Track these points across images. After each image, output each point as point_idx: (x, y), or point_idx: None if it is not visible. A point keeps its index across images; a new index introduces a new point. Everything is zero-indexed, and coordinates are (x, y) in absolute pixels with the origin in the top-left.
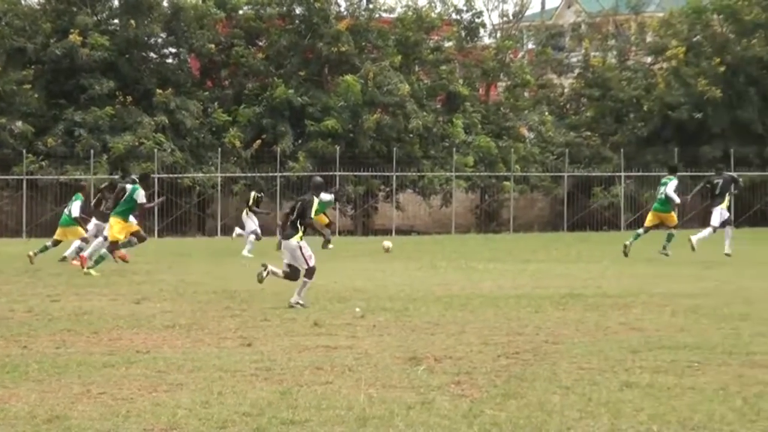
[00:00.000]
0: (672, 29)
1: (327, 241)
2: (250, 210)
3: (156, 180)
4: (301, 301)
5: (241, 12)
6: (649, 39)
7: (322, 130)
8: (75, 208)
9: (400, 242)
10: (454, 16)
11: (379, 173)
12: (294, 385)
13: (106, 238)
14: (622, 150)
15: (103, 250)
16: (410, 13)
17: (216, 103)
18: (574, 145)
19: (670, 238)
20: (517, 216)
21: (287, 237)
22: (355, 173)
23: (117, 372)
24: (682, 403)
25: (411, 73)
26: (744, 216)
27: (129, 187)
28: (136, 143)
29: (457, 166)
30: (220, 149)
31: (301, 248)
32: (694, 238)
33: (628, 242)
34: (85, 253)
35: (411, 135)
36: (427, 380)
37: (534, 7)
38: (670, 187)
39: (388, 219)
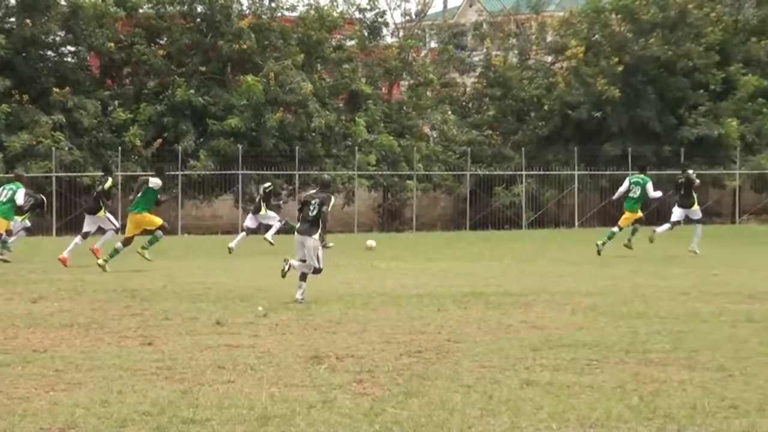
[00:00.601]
0: (572, 29)
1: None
2: (267, 205)
3: (54, 179)
4: (302, 297)
5: (141, 11)
6: (549, 38)
7: (225, 128)
8: (20, 196)
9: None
10: (356, 15)
11: (282, 172)
12: (195, 384)
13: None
14: (523, 149)
15: (118, 244)
16: (312, 12)
17: (116, 102)
18: (476, 144)
19: (611, 237)
20: (420, 215)
21: (305, 233)
22: (258, 172)
23: (13, 371)
24: (580, 401)
25: (313, 72)
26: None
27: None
28: (34, 142)
29: (359, 165)
30: (120, 148)
31: (317, 249)
32: (694, 246)
33: (600, 242)
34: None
35: (314, 134)
36: (328, 379)
37: (436, 6)
38: (649, 187)
39: (291, 218)
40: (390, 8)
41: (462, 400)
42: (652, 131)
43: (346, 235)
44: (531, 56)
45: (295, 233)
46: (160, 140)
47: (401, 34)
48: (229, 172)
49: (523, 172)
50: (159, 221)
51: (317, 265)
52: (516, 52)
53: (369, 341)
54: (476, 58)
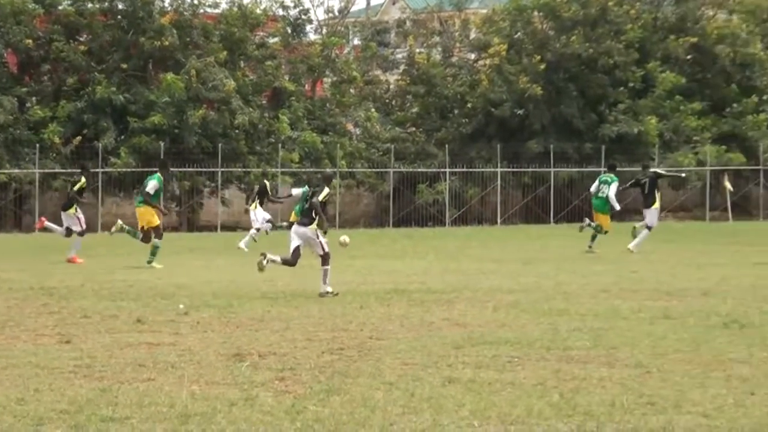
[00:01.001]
0: (494, 26)
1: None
2: (270, 200)
3: None
4: (329, 289)
5: (60, 7)
6: (472, 36)
7: (147, 126)
8: None
9: (225, 239)
10: (280, 12)
11: (205, 169)
12: (115, 383)
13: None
14: (446, 146)
15: (156, 240)
16: (235, 9)
17: (34, 99)
18: (399, 142)
19: (593, 239)
20: (343, 212)
21: (302, 225)
22: (180, 169)
23: None
24: (502, 399)
25: (237, 69)
26: (563, 212)
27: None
28: None
29: (282, 162)
30: (38, 145)
31: (317, 236)
32: (633, 245)
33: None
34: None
35: (237, 131)
36: (250, 377)
37: (359, 4)
38: (612, 189)
39: (214, 215)
40: (313, 5)
41: (384, 398)
42: (574, 128)
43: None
44: (454, 54)
45: (293, 226)
46: (79, 137)
47: (324, 31)
48: (150, 169)
49: (447, 170)
50: (157, 221)
51: (321, 252)
52: (439, 49)
53: (291, 339)
54: (399, 56)
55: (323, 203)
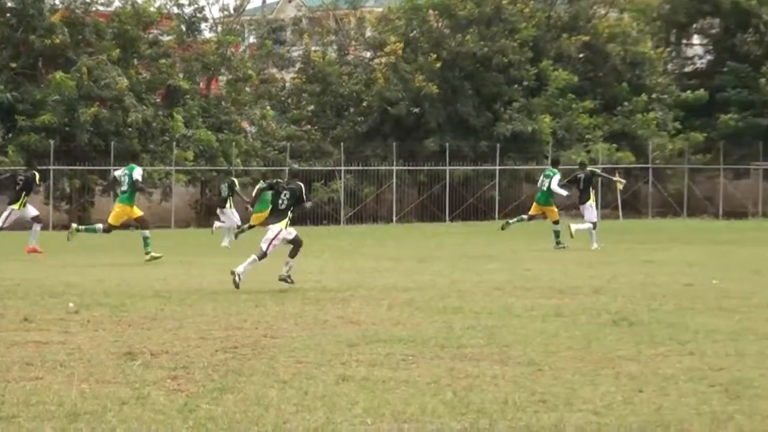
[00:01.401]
0: (390, 24)
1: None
2: (234, 198)
3: None
4: (288, 274)
5: None
6: (368, 34)
7: (36, 124)
8: None
9: (117, 237)
10: (174, 10)
11: (97, 167)
12: (1, 381)
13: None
14: (342, 144)
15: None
16: (128, 7)
17: None
18: (295, 140)
19: (557, 234)
20: (239, 210)
21: (271, 222)
22: (71, 167)
23: None
24: (396, 396)
25: (130, 67)
26: (458, 210)
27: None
28: None
29: (177, 161)
30: None
31: (278, 233)
32: (593, 246)
33: (511, 220)
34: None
35: (130, 129)
36: (142, 375)
37: (255, 2)
38: (554, 181)
39: (106, 214)
40: (208, 3)
41: (277, 396)
42: (470, 127)
43: (163, 230)
44: (350, 52)
45: (266, 224)
46: None
47: (220, 29)
48: (41, 167)
49: (342, 168)
50: (139, 212)
51: (264, 248)
52: (335, 47)
53: (184, 337)
54: (295, 54)
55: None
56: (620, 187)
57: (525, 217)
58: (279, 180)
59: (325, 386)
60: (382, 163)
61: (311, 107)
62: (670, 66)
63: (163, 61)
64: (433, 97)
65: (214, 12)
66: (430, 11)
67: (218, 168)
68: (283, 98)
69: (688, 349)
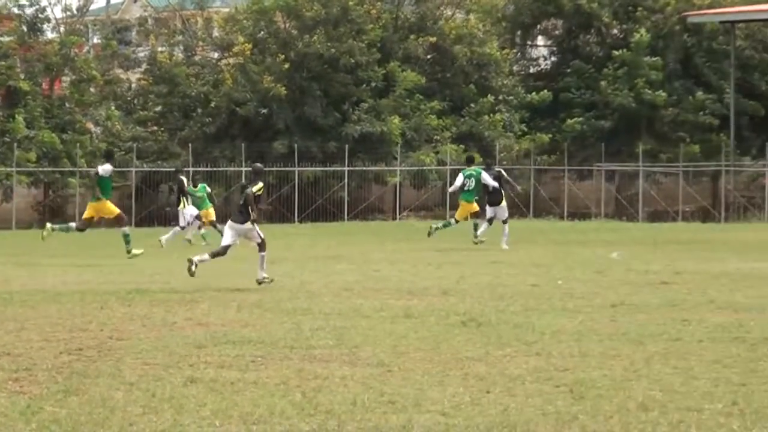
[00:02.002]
0: (238, 25)
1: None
2: (184, 194)
3: None
4: (266, 275)
5: None
6: (215, 34)
7: None
8: None
9: None
10: (15, 10)
11: None
12: None
13: None
14: (190, 145)
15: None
16: None
17: None
18: (141, 141)
19: (476, 227)
20: (84, 211)
21: (237, 221)
22: None
23: None
24: (244, 398)
25: None
26: (307, 211)
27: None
28: None
29: (18, 162)
30: None
31: (254, 229)
32: (504, 244)
33: (436, 225)
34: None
35: None
36: None
37: (99, 2)
38: (484, 176)
39: None
40: (50, 3)
41: (124, 398)
42: (318, 127)
43: (5, 232)
44: (197, 52)
45: (229, 221)
46: None
47: (63, 29)
48: None
49: (190, 169)
50: (116, 210)
51: (258, 240)
52: (182, 48)
53: (27, 339)
54: (141, 54)
55: (257, 196)
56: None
57: (453, 221)
58: (244, 184)
59: (172, 388)
60: (231, 164)
61: (158, 108)
62: (515, 67)
63: (2, 62)
64: (282, 98)
65: (56, 12)
66: (278, 12)
67: (62, 169)
68: (129, 99)
69: (534, 349)
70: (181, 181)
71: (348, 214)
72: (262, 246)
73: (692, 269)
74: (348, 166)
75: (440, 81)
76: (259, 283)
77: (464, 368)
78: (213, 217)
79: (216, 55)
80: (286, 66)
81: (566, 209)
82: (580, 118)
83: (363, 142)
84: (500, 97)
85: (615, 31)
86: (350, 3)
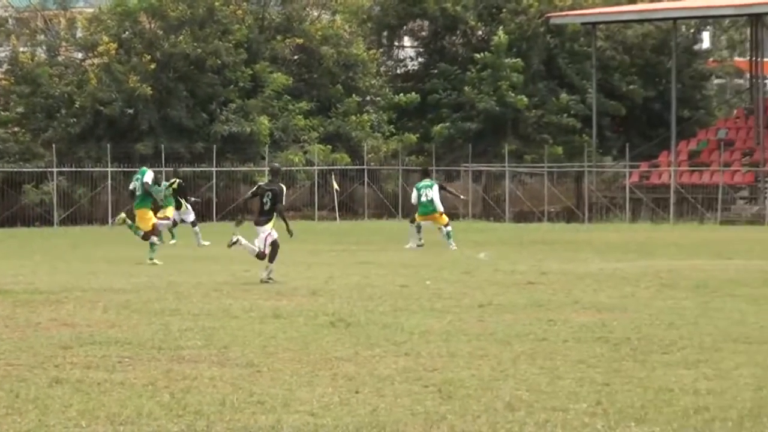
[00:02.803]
0: (102, 25)
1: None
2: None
3: None
4: (272, 275)
5: None
6: (79, 34)
7: None
8: None
9: None
10: None
11: None
12: None
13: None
14: (54, 146)
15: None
16: None
17: None
18: (3, 141)
19: (449, 235)
20: None
21: (261, 224)
22: None
23: None
24: (111, 399)
25: None
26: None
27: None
28: None
29: None
30: None
31: (270, 234)
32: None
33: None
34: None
35: None
36: None
37: None
38: (435, 191)
39: None
40: None
41: None
42: (184, 128)
43: None
44: (60, 53)
45: (254, 224)
46: None
47: None
48: None
49: (54, 169)
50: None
51: (260, 249)
52: (44, 48)
53: None
54: (2, 55)
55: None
56: (336, 186)
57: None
58: (261, 183)
59: (37, 389)
60: (96, 164)
61: (20, 109)
62: (383, 68)
63: None
64: (147, 98)
65: None
66: (143, 12)
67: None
68: None
69: (403, 350)
70: (179, 182)
71: (216, 215)
72: (260, 255)
73: (557, 269)
74: (216, 167)
75: (307, 81)
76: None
77: (333, 368)
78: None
79: (80, 55)
80: (152, 66)
81: None
82: (447, 123)
83: (231, 143)
84: (368, 98)
85: (480, 32)
86: (216, 3)
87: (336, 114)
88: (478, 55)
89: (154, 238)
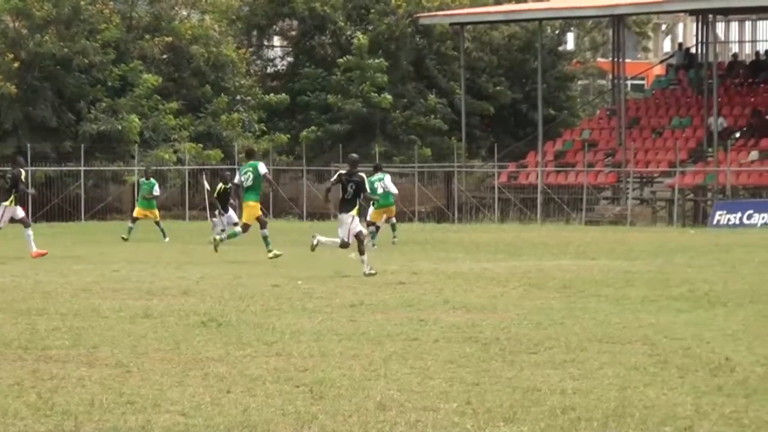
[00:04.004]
0: None
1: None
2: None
3: None
4: (367, 269)
5: None
6: None
7: None
8: None
9: None
10: None
11: None
12: None
13: None
14: None
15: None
16: None
17: None
18: None
19: (394, 227)
20: None
21: (345, 211)
22: None
23: None
24: None
25: None
26: (42, 210)
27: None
28: None
29: None
30: None
31: (352, 221)
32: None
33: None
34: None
35: None
36: None
37: None
38: (388, 182)
39: None
40: None
41: None
42: (50, 127)
43: None
44: None
45: (338, 213)
46: None
47: None
48: None
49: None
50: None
51: (345, 239)
52: None
53: None
54: None
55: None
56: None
57: (371, 228)
58: (341, 172)
59: None
60: None
61: None
62: (252, 68)
63: None
64: (12, 97)
65: None
66: (5, 13)
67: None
68: None
69: (274, 349)
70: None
71: (85, 214)
72: (343, 245)
73: (428, 269)
74: (84, 166)
75: (177, 81)
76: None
77: (204, 368)
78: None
79: None
80: (16, 65)
81: (305, 209)
82: (313, 128)
83: (100, 141)
84: (237, 97)
85: (348, 33)
86: (81, 2)
87: (206, 113)
88: (341, 60)
89: (266, 231)
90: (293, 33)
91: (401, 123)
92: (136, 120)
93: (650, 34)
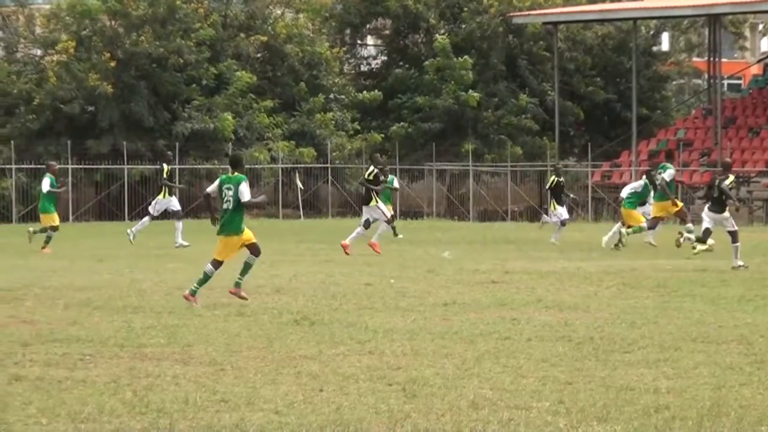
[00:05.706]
0: (61, 23)
1: None
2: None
3: None
4: (741, 262)
5: None
6: (38, 31)
7: None
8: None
9: None
10: None
11: None
12: None
13: None
14: (12, 143)
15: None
16: None
17: None
18: None
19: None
20: None
21: (714, 211)
22: None
23: None
24: (72, 396)
25: None
26: (138, 209)
27: None
28: None
29: None
30: None
31: (730, 218)
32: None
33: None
34: None
35: None
36: None
37: None
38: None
39: None
40: None
41: None
42: (145, 126)
43: None
44: (19, 50)
45: (705, 209)
46: None
47: None
48: None
49: (13, 166)
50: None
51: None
52: (3, 45)
53: None
54: None
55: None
56: (300, 184)
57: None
58: (715, 177)
59: None
60: (57, 161)
61: None
62: (346, 66)
63: None
64: (108, 96)
65: None
66: (103, 10)
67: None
68: None
69: (367, 348)
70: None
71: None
72: (735, 236)
73: (521, 268)
74: (179, 164)
75: (271, 79)
76: (734, 268)
77: (297, 366)
78: None
79: (39, 52)
80: (113, 64)
81: (399, 208)
82: (404, 123)
83: (194, 140)
84: (331, 96)
85: (442, 31)
86: (177, 2)
87: (300, 112)
88: (426, 62)
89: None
90: (386, 32)
91: (493, 122)
92: (229, 118)
93: (747, 33)
